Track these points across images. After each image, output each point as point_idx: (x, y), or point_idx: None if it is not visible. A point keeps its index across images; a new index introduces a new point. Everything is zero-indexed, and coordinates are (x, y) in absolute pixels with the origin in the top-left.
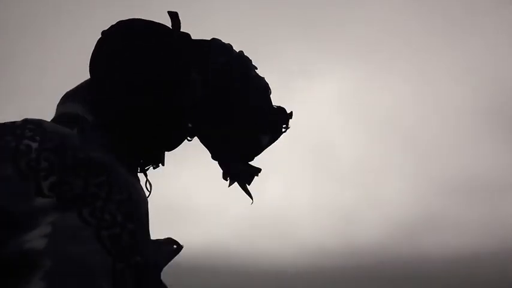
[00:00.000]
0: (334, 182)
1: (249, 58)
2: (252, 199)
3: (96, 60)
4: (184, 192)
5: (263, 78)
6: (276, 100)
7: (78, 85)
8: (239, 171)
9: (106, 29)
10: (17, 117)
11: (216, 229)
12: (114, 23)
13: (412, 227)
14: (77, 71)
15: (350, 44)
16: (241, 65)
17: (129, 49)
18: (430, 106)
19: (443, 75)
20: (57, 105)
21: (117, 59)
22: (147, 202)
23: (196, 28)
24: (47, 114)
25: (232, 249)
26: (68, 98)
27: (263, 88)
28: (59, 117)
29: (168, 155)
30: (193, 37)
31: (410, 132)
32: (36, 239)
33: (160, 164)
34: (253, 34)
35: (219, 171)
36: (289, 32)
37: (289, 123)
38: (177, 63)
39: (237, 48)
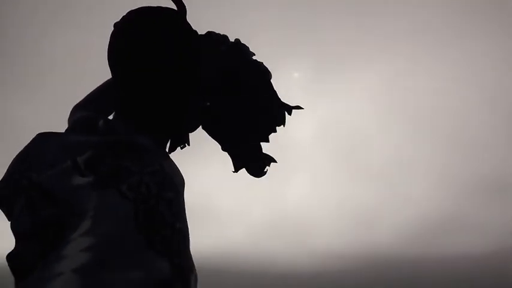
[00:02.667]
0: (360, 182)
1: (246, 45)
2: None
3: (114, 54)
4: (204, 192)
5: (262, 63)
6: (307, 96)
7: (86, 97)
8: (251, 160)
9: (118, 21)
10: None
11: (234, 231)
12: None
13: (437, 228)
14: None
15: (382, 41)
16: (240, 51)
17: (144, 39)
18: (470, 106)
19: (489, 77)
20: (68, 119)
21: (134, 50)
22: (181, 174)
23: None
24: None
25: (248, 252)
26: (79, 108)
27: (263, 72)
28: (74, 122)
29: (188, 155)
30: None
31: (443, 131)
32: (80, 221)
33: (186, 144)
34: (288, 25)
35: (240, 172)
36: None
37: (291, 113)
38: (191, 46)
39: (275, 36)
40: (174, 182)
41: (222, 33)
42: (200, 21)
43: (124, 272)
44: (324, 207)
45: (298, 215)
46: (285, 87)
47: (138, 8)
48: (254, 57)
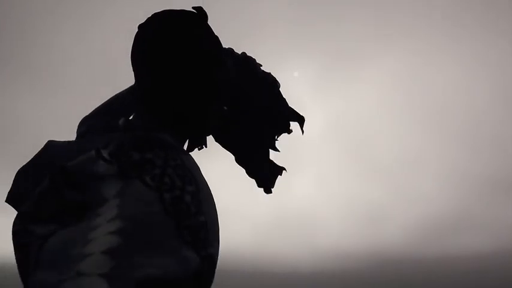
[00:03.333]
0: (368, 180)
1: (252, 58)
2: (268, 191)
3: (137, 55)
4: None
5: (269, 73)
6: (316, 92)
7: (95, 109)
8: (262, 171)
9: (142, 22)
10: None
11: (239, 230)
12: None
13: (447, 227)
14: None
15: (392, 36)
16: (248, 64)
17: (168, 41)
18: (483, 103)
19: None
20: (77, 130)
21: (157, 52)
22: (199, 170)
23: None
24: None
25: (253, 251)
26: (88, 118)
27: (271, 83)
28: (89, 127)
29: (191, 152)
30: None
31: (454, 128)
32: (104, 207)
33: (204, 146)
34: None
35: (234, 174)
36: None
37: (303, 123)
38: (212, 52)
39: (291, 28)
40: (195, 177)
41: (228, 47)
42: (215, 17)
43: (154, 256)
44: (331, 206)
45: (305, 214)
46: (293, 83)
47: (163, 11)
48: (261, 64)
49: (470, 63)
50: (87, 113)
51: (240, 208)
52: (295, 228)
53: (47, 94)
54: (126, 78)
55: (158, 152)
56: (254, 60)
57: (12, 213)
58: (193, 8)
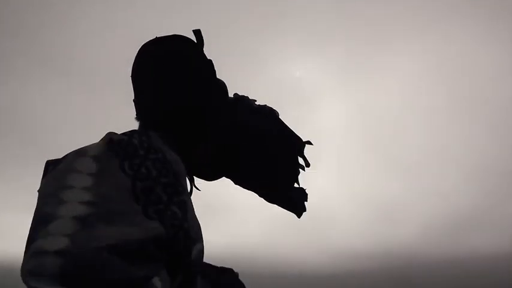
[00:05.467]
0: (388, 175)
1: (244, 96)
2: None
3: (135, 74)
4: (215, 186)
5: (265, 105)
6: (338, 79)
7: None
8: (290, 200)
9: (146, 42)
10: None
11: (249, 228)
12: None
13: (468, 225)
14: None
15: (419, 20)
16: (243, 104)
17: (164, 67)
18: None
19: None
20: None
21: (153, 76)
22: (182, 164)
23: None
24: None
25: (260, 250)
26: None
27: (271, 113)
28: None
29: None
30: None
31: (481, 120)
32: (81, 175)
33: (193, 187)
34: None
35: None
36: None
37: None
38: (206, 79)
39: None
40: (174, 169)
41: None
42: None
43: (120, 226)
44: (348, 202)
45: (319, 211)
46: (312, 71)
47: (166, 38)
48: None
49: (503, 51)
50: (105, 108)
51: (250, 206)
52: (309, 225)
53: (48, 80)
54: None
55: (143, 142)
56: (247, 97)
57: (13, 212)
58: (193, 31)
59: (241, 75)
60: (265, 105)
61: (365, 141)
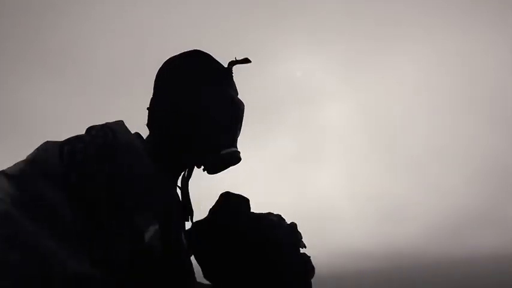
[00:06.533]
0: (394, 174)
1: (234, 203)
2: None
3: (161, 82)
4: (215, 188)
5: (264, 214)
6: (345, 75)
7: None
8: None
9: (174, 55)
10: None
11: None
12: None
13: (472, 224)
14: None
15: (426, 19)
16: (236, 212)
17: (190, 85)
18: None
19: None
20: None
21: (177, 90)
22: (134, 147)
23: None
24: None
25: None
26: None
27: (267, 225)
28: None
29: None
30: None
31: (486, 117)
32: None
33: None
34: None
35: (256, 162)
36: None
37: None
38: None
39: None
40: (118, 155)
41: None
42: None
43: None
44: (352, 200)
45: (321, 209)
46: (320, 67)
47: (192, 53)
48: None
49: (507, 48)
50: (105, 108)
51: (252, 204)
52: (310, 224)
53: (69, 85)
54: (153, 74)
55: (99, 129)
56: (245, 202)
57: None
58: (229, 62)
59: (244, 74)
60: (264, 214)
61: (368, 141)
